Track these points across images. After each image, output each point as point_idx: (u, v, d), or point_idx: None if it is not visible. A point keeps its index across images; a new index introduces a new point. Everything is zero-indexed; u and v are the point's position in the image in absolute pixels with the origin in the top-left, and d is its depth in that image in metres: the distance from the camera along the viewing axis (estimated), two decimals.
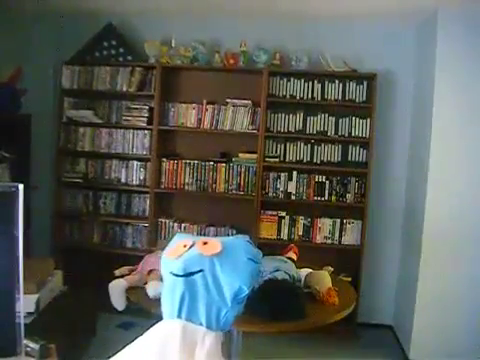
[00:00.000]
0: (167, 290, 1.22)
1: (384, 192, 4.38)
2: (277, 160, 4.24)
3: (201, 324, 1.18)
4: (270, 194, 4.29)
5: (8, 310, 1.41)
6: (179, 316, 1.18)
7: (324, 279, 2.63)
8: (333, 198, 4.24)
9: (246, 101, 4.23)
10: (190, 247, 1.22)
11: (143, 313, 2.46)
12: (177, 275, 1.18)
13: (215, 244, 1.22)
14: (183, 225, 4.38)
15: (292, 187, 4.26)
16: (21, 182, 1.41)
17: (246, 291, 1.19)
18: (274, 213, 4.28)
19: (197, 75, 4.41)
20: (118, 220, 4.47)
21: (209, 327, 1.18)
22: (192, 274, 1.18)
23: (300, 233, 4.27)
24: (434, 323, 3.74)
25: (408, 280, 4.05)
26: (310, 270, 2.79)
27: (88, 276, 3.81)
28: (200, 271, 1.18)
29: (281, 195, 4.28)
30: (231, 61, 4.21)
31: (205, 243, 1.23)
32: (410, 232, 4.15)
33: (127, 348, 1.20)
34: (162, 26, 4.31)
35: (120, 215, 4.49)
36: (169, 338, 1.16)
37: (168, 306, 1.21)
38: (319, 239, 4.27)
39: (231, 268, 1.19)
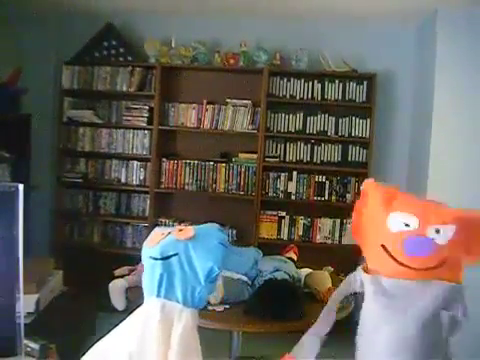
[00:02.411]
0: (147, 273, 1.34)
1: None
2: (277, 160, 4.24)
3: (178, 302, 1.29)
4: (270, 194, 4.29)
5: (8, 310, 1.41)
6: (158, 295, 1.30)
7: (324, 279, 2.63)
8: (333, 198, 4.24)
9: (246, 101, 4.23)
10: (167, 235, 1.35)
11: None
12: (155, 258, 1.31)
13: (189, 230, 1.35)
14: (183, 225, 4.37)
15: (292, 187, 4.26)
16: (21, 182, 1.42)
17: (217, 271, 1.31)
18: (274, 213, 4.29)
19: (197, 75, 4.41)
20: (118, 220, 4.47)
21: (185, 304, 1.30)
22: (169, 257, 1.30)
23: (300, 233, 4.27)
24: None
25: None
26: (310, 270, 2.80)
27: (88, 276, 3.81)
28: (176, 254, 1.30)
29: (281, 195, 4.28)
30: (231, 61, 4.21)
31: (180, 230, 1.36)
32: None
33: (116, 328, 1.33)
34: (162, 26, 4.31)
35: (120, 215, 4.49)
36: (149, 315, 1.28)
37: (148, 287, 1.33)
38: (319, 239, 4.27)
39: (203, 250, 1.32)
